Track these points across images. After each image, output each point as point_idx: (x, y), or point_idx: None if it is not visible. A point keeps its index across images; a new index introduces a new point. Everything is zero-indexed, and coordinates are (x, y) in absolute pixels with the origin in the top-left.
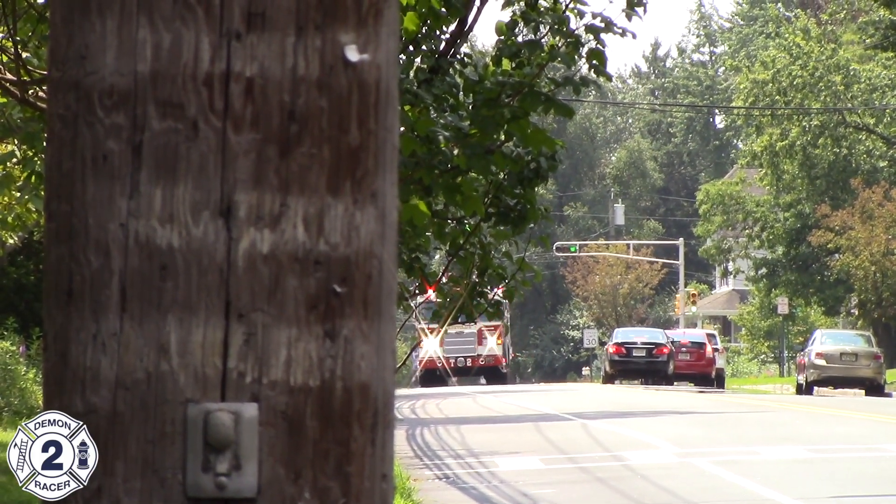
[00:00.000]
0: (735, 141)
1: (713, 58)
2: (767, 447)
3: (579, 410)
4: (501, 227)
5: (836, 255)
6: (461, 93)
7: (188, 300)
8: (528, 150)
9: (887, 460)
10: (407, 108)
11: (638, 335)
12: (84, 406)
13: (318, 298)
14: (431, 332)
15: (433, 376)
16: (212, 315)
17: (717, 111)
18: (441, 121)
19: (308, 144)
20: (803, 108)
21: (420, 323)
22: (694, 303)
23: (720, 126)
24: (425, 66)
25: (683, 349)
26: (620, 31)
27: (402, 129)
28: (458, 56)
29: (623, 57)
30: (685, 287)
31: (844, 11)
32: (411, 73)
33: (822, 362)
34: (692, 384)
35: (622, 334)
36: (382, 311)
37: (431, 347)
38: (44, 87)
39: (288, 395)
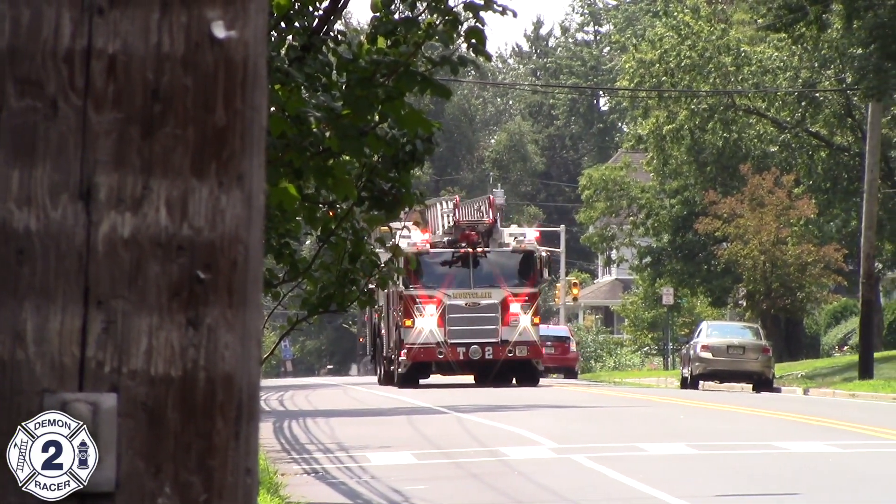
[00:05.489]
0: (620, 124)
1: (598, 37)
2: (650, 443)
3: (454, 404)
4: (375, 212)
5: (724, 244)
6: (334, 72)
7: (46, 286)
8: (403, 132)
9: (774, 457)
10: (277, 87)
11: None
12: None
13: (181, 285)
14: (426, 303)
15: (425, 371)
16: (70, 302)
17: (601, 93)
18: (313, 101)
19: (172, 124)
20: (692, 91)
21: (399, 287)
22: (576, 293)
23: (604, 108)
24: (297, 43)
25: (548, 343)
26: (500, 8)
27: (272, 109)
28: (331, 33)
29: (503, 36)
30: (566, 276)
31: None
32: (282, 51)
33: (707, 355)
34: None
35: None
36: (248, 298)
37: (427, 328)
38: None
39: (148, 385)
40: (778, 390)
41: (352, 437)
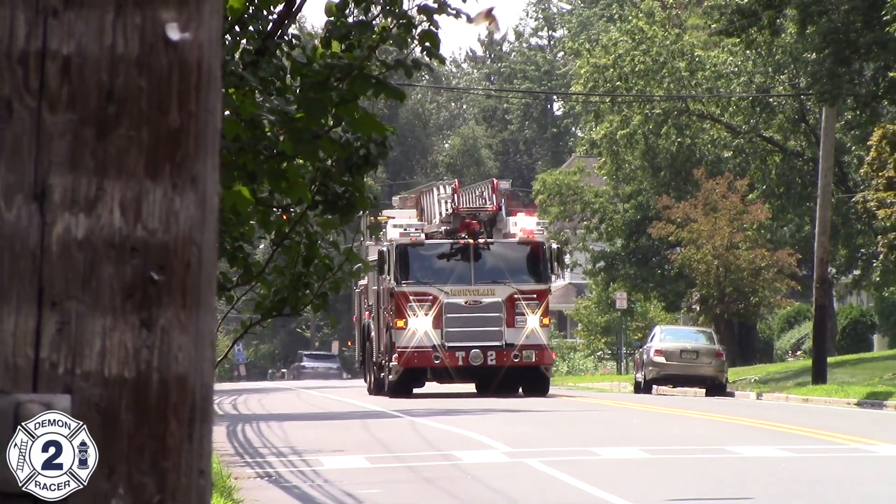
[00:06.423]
0: (573, 129)
1: (552, 42)
2: (604, 448)
3: (407, 408)
4: (329, 216)
5: (678, 249)
6: (288, 75)
7: None
8: (357, 136)
9: (727, 462)
10: (231, 90)
11: None
12: None
13: (135, 286)
14: (420, 301)
15: (419, 378)
16: (24, 303)
17: (555, 98)
18: (267, 104)
19: (126, 126)
20: (645, 95)
21: (390, 283)
22: None
23: (558, 113)
24: (251, 47)
25: None
26: (454, 11)
27: (226, 112)
28: (286, 37)
29: (458, 40)
30: None
31: None
32: (237, 55)
33: (661, 360)
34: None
35: None
36: (202, 300)
37: (421, 329)
38: None
39: (102, 386)
40: (731, 395)
41: (305, 441)
